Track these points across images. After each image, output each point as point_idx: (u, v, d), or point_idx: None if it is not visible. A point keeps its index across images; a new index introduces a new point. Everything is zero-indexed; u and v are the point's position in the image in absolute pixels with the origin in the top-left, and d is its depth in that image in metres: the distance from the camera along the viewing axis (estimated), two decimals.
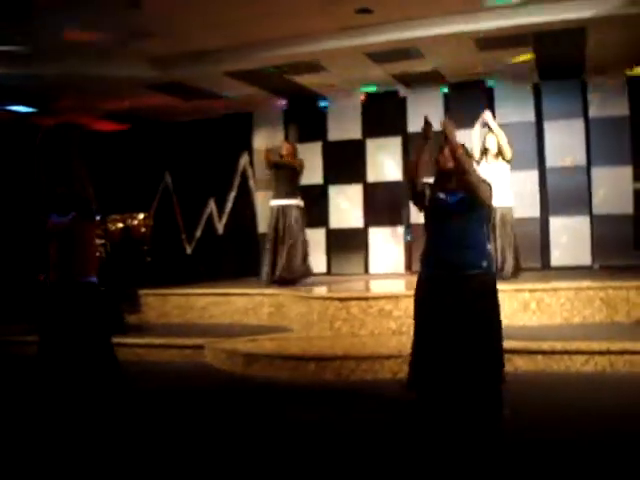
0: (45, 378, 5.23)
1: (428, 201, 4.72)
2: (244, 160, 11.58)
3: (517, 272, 8.21)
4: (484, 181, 4.66)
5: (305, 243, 9.10)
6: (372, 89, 10.60)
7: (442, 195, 4.66)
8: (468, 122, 10.03)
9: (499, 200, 7.90)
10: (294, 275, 8.91)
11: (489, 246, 5.23)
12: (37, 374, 5.32)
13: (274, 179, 9.19)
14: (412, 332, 4.93)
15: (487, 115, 8.40)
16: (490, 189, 4.65)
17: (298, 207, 9.03)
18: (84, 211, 5.23)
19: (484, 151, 8.38)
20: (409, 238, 10.50)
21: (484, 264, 4.63)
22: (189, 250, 11.70)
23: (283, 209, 8.98)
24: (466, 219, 4.62)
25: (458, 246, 4.58)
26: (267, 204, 11.01)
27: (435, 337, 4.60)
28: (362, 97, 10.81)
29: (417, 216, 10.33)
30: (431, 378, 4.60)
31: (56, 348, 5.11)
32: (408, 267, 10.43)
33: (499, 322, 4.68)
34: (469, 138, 9.63)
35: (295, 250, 8.91)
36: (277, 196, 9.08)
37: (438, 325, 4.60)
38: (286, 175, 9.03)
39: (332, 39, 8.29)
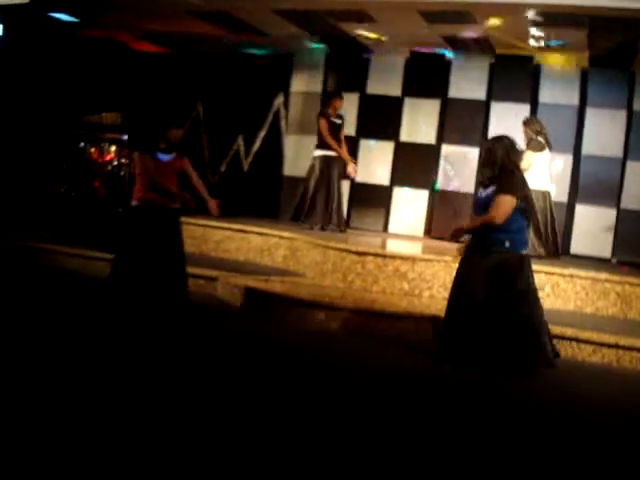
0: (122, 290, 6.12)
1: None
2: (279, 101, 11.47)
3: (556, 253, 8.37)
4: (504, 188, 5.51)
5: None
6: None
7: (480, 190, 5.77)
8: (510, 96, 9.99)
9: (538, 183, 7.96)
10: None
11: (520, 228, 5.68)
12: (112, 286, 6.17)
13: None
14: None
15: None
16: (507, 198, 5.48)
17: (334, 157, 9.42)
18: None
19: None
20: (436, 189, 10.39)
21: (506, 244, 5.50)
22: (212, 182, 11.66)
23: (331, 160, 9.39)
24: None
25: (486, 229, 5.52)
26: (297, 147, 11.08)
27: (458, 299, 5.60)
28: (407, 54, 10.65)
29: (445, 183, 10.30)
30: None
31: (138, 266, 6.14)
32: (427, 232, 10.39)
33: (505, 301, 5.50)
34: (512, 113, 9.66)
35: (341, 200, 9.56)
36: (324, 147, 9.40)
37: (459, 290, 5.63)
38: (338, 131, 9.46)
39: None
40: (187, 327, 6.04)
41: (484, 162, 5.74)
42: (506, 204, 5.47)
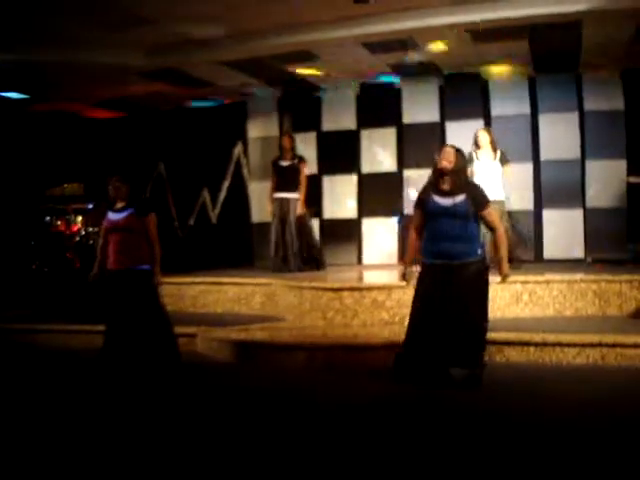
0: (112, 359, 6.12)
1: (424, 205, 5.61)
2: (238, 149, 11.55)
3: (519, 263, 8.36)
4: (485, 199, 5.63)
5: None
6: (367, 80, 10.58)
7: (438, 199, 5.53)
8: (463, 114, 10.13)
9: (490, 194, 8.01)
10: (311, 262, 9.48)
11: (482, 238, 5.91)
12: (105, 354, 6.18)
13: (277, 175, 9.55)
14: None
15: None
16: (484, 198, 5.63)
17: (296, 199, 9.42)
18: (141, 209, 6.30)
19: (476, 146, 8.47)
20: (401, 224, 10.43)
21: (479, 252, 5.54)
22: (182, 239, 11.66)
23: (282, 201, 9.39)
24: (460, 218, 5.47)
25: (453, 239, 5.45)
26: (262, 193, 11.12)
27: (430, 314, 5.51)
28: (357, 87, 10.77)
29: (410, 208, 10.34)
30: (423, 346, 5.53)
31: (123, 330, 6.13)
32: (401, 258, 10.40)
33: (486, 307, 5.54)
34: (467, 131, 9.76)
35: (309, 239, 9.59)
36: (279, 189, 9.45)
37: (434, 303, 5.49)
38: (290, 171, 9.43)
39: (327, 29, 8.25)
40: (175, 387, 5.98)
41: (453, 169, 5.55)
42: (495, 215, 5.75)
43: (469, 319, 5.45)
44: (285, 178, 9.42)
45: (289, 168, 9.45)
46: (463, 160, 5.68)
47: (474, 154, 8.44)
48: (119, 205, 6.27)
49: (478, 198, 5.60)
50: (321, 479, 3.84)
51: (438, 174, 5.61)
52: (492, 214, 5.68)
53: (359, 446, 4.29)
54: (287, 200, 9.38)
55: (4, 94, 10.25)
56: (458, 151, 5.64)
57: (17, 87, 10.04)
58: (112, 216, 6.26)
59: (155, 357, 6.20)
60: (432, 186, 5.66)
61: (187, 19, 7.84)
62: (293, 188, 9.38)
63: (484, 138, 8.51)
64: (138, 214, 6.24)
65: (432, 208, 5.57)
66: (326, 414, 4.99)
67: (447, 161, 5.53)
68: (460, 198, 5.51)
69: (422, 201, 5.69)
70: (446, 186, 5.55)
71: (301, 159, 9.54)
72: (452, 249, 5.46)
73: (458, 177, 5.56)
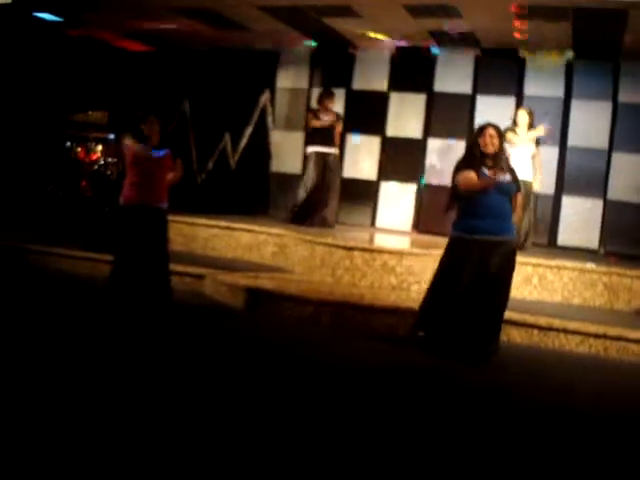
0: (117, 289, 6.24)
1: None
2: (265, 97, 11.46)
3: (526, 245, 8.37)
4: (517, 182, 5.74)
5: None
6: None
7: (488, 172, 5.52)
8: (495, 89, 10.03)
9: (522, 174, 8.02)
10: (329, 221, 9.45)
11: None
12: (111, 284, 6.30)
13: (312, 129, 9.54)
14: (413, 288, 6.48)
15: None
16: (518, 183, 5.75)
17: (336, 156, 9.51)
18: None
19: (514, 124, 8.44)
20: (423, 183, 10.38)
21: (514, 232, 5.68)
22: (199, 180, 11.65)
23: (323, 156, 9.39)
24: (507, 195, 5.58)
25: (500, 216, 5.52)
26: (284, 144, 11.10)
27: (457, 288, 5.51)
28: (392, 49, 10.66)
29: (432, 177, 10.31)
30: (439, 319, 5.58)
31: (132, 264, 6.24)
32: (415, 226, 10.40)
33: (510, 287, 5.67)
34: (497, 107, 9.71)
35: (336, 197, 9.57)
36: (318, 143, 9.44)
37: (462, 277, 5.49)
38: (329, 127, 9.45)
39: None
40: (169, 323, 6.05)
41: (498, 150, 5.62)
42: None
43: (500, 299, 5.57)
44: (325, 133, 9.43)
45: (329, 124, 9.46)
46: (502, 139, 5.70)
47: (510, 132, 8.38)
48: (154, 142, 6.31)
49: (517, 183, 5.72)
50: (307, 441, 3.88)
51: (482, 155, 5.61)
52: (519, 204, 5.86)
53: (353, 412, 4.33)
54: (329, 154, 9.40)
55: (38, 14, 10.15)
56: (499, 129, 5.65)
57: (51, 8, 9.94)
58: (149, 152, 6.30)
59: (152, 292, 6.33)
60: (478, 160, 5.62)
61: None
62: (332, 143, 9.44)
63: (523, 118, 8.48)
64: (172, 155, 6.40)
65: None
66: (324, 375, 5.02)
67: (493, 145, 5.56)
68: (508, 177, 5.61)
69: (474, 169, 5.60)
70: (494, 164, 5.59)
71: (339, 116, 9.62)
72: (497, 225, 5.53)
73: (503, 156, 5.69)
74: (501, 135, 5.65)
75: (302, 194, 9.47)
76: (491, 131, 5.56)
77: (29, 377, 4.36)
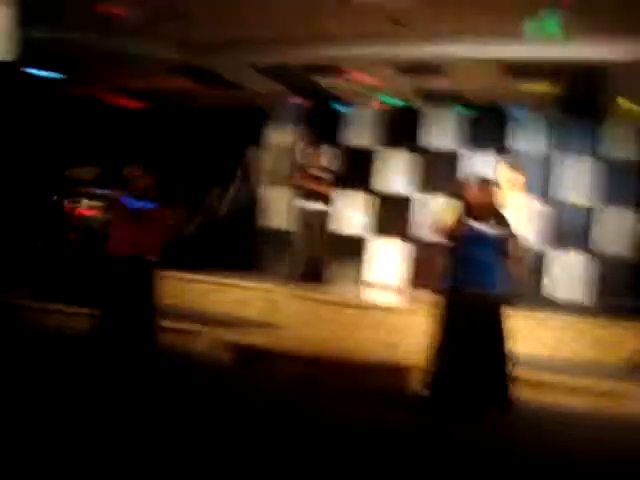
0: (103, 341, 6.15)
1: (460, 229, 5.63)
2: (253, 153, 11.59)
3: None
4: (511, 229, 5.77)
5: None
6: (392, 101, 10.64)
7: (478, 225, 5.60)
8: (480, 145, 10.22)
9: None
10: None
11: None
12: (96, 337, 6.21)
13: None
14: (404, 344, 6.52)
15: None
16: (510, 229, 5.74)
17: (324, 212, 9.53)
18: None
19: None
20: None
21: (504, 287, 5.65)
22: (188, 235, 11.68)
23: (309, 212, 9.45)
24: (492, 245, 5.57)
25: (485, 266, 5.52)
26: (271, 199, 11.20)
27: (453, 346, 5.53)
28: (379, 106, 10.84)
29: (419, 231, 10.40)
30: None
31: (116, 316, 6.17)
32: (405, 281, 10.44)
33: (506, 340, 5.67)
34: (481, 164, 9.88)
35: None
36: (309, 198, 9.51)
37: (458, 336, 5.52)
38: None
39: (360, 45, 8.33)
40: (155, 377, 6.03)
41: (482, 201, 5.68)
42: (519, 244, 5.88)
43: (493, 353, 5.57)
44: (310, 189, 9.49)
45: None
46: (490, 188, 5.73)
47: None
48: (141, 194, 6.31)
49: (507, 228, 5.73)
50: None
51: (468, 206, 5.68)
52: (518, 244, 5.81)
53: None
54: (315, 211, 9.46)
55: (37, 71, 10.28)
56: (484, 181, 5.71)
57: (49, 65, 10.09)
58: (135, 204, 6.30)
59: (139, 345, 6.26)
60: (465, 213, 5.69)
61: (226, 19, 7.89)
62: (318, 198, 9.46)
63: (505, 174, 8.56)
64: (162, 205, 6.41)
65: (468, 233, 5.62)
66: (313, 434, 5.00)
67: (485, 197, 5.64)
68: (492, 225, 5.63)
69: (456, 228, 5.70)
70: (479, 214, 5.63)
71: (331, 172, 9.66)
72: (483, 276, 5.54)
73: (489, 205, 5.66)
74: (485, 183, 5.69)
75: (296, 251, 9.54)
76: (484, 185, 5.67)
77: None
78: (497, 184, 5.87)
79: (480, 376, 5.49)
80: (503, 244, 5.65)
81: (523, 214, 8.66)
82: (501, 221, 5.71)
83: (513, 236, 5.77)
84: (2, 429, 4.46)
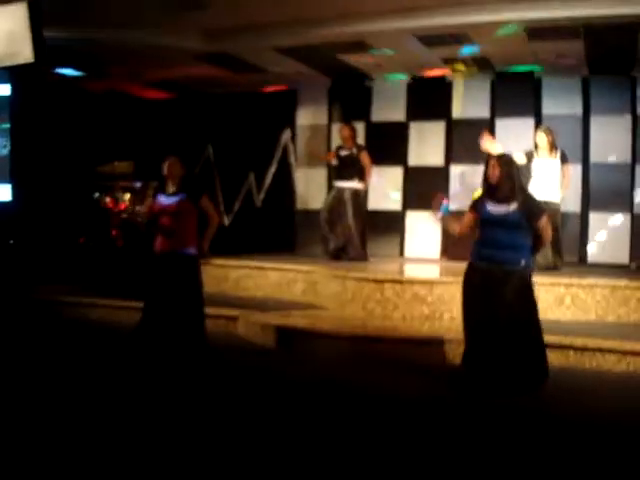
0: (146, 336, 6.19)
1: (478, 211, 5.60)
2: (286, 135, 11.61)
3: (558, 265, 8.30)
4: (536, 209, 5.62)
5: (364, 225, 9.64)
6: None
7: (491, 207, 5.52)
8: (513, 111, 10.07)
9: (546, 195, 8.03)
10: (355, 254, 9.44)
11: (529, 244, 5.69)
12: (139, 332, 6.25)
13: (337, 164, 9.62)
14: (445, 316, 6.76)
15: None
16: (546, 216, 5.64)
17: (353, 190, 9.48)
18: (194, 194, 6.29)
19: (535, 146, 8.43)
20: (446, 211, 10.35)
21: (522, 262, 5.48)
22: (227, 222, 11.79)
23: (338, 190, 9.48)
24: (510, 227, 5.47)
25: (501, 247, 5.45)
26: (307, 180, 11.22)
27: (480, 322, 5.48)
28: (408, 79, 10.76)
29: (456, 204, 10.32)
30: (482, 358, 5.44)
31: (161, 311, 6.18)
32: (444, 253, 10.41)
33: (535, 313, 5.58)
34: (517, 129, 9.75)
35: (357, 230, 9.48)
36: (336, 177, 9.59)
37: (483, 309, 5.47)
38: (348, 161, 9.49)
39: (382, 19, 8.25)
40: (203, 367, 6.10)
41: (499, 181, 5.52)
42: (547, 223, 5.64)
43: (524, 330, 5.47)
44: (343, 167, 9.49)
45: (347, 157, 9.51)
46: (510, 167, 5.56)
47: (534, 153, 8.40)
48: (171, 189, 6.24)
49: (533, 209, 5.57)
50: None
51: (487, 186, 5.61)
52: (546, 226, 5.62)
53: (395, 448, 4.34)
54: (344, 189, 9.44)
55: (60, 70, 10.41)
56: (502, 160, 5.59)
57: (73, 64, 10.20)
58: (163, 200, 6.24)
59: (184, 337, 6.25)
60: (486, 193, 5.63)
61: (244, 4, 7.89)
62: (350, 177, 9.43)
63: (542, 139, 8.42)
64: (191, 199, 6.22)
65: (485, 215, 5.55)
66: (362, 409, 5.03)
67: (493, 175, 5.52)
68: (513, 207, 5.48)
69: (476, 206, 5.68)
70: (498, 195, 5.52)
71: (360, 147, 9.61)
72: (498, 256, 5.46)
73: (508, 186, 5.50)
74: (504, 165, 5.54)
75: (322, 229, 9.57)
76: (492, 162, 5.56)
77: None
78: (512, 160, 5.70)
79: (510, 351, 5.41)
80: (521, 222, 5.50)
81: (560, 179, 8.54)
82: (520, 199, 5.52)
83: (534, 209, 5.60)
84: (53, 417, 4.57)
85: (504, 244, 5.46)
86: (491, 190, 5.57)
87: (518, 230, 5.50)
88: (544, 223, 5.61)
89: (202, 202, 6.33)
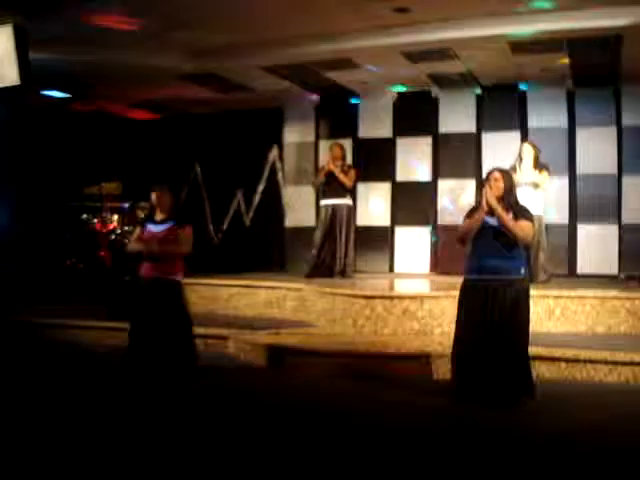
0: (134, 361, 6.15)
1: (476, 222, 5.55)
2: (273, 154, 11.62)
3: (548, 278, 8.31)
4: (525, 214, 5.57)
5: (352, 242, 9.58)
6: (403, 89, 10.60)
7: (488, 217, 5.51)
8: (500, 125, 10.12)
9: (536, 208, 8.03)
10: (345, 270, 9.39)
11: (525, 255, 5.79)
12: (128, 357, 6.21)
13: (325, 182, 9.50)
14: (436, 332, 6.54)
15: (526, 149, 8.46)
16: (531, 224, 5.60)
17: (348, 206, 9.47)
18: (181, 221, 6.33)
19: (519, 159, 8.42)
20: (434, 239, 10.48)
21: (522, 271, 5.54)
22: (216, 241, 11.78)
23: (334, 208, 9.39)
24: (507, 237, 5.47)
25: (498, 258, 5.46)
26: (296, 198, 11.23)
27: (473, 334, 5.45)
28: (394, 96, 10.80)
29: (444, 218, 10.35)
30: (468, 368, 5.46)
31: (147, 335, 6.16)
32: (433, 268, 10.42)
33: (528, 326, 5.59)
34: (503, 142, 9.80)
35: (347, 247, 9.44)
36: (328, 196, 9.46)
37: (477, 324, 5.44)
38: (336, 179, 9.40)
39: (367, 37, 8.30)
40: (190, 388, 6.05)
41: (507, 191, 5.58)
42: (530, 229, 5.60)
43: (512, 345, 5.45)
44: (334, 185, 9.40)
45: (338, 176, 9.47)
46: (510, 181, 5.67)
47: (517, 166, 8.39)
48: (160, 216, 6.28)
49: (524, 214, 5.59)
50: None
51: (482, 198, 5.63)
52: (524, 227, 5.56)
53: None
54: (336, 206, 9.41)
55: (47, 92, 10.40)
56: (506, 174, 5.65)
57: (59, 86, 10.20)
58: (152, 228, 6.27)
59: (172, 359, 6.21)
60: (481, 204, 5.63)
61: (227, 24, 7.92)
62: (345, 194, 9.42)
63: (528, 152, 8.43)
64: (178, 226, 6.26)
65: (487, 224, 5.55)
66: (351, 433, 4.93)
67: (498, 188, 5.54)
68: (511, 216, 5.52)
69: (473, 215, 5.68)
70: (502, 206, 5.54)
71: (350, 167, 9.58)
72: (495, 267, 5.47)
73: (507, 199, 5.57)
74: (507, 178, 5.63)
75: (314, 249, 9.48)
76: (496, 175, 5.59)
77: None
78: (508, 174, 5.74)
79: (501, 361, 5.41)
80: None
81: (547, 191, 8.57)
82: (520, 212, 5.59)
83: (527, 217, 5.61)
84: (44, 439, 4.53)
85: (504, 254, 5.48)
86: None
87: (512, 241, 5.51)
88: (526, 225, 5.55)
89: (185, 231, 6.32)
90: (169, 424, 5.03)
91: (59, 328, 8.45)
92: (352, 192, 9.70)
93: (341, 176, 9.29)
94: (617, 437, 4.70)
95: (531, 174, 8.35)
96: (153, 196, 6.28)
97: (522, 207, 5.71)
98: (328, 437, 4.78)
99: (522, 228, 5.51)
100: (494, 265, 5.48)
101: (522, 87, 10.12)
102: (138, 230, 6.42)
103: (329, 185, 9.45)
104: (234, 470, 4.14)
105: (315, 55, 8.77)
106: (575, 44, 8.13)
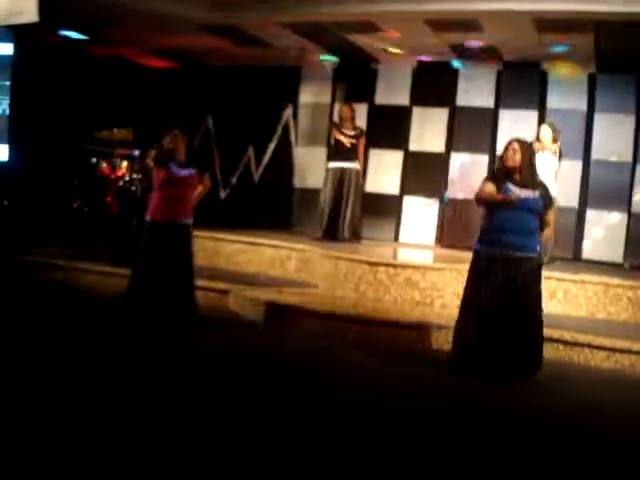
0: (133, 304, 6.31)
1: (498, 188, 5.49)
2: (288, 113, 11.54)
3: (552, 260, 8.30)
4: (545, 193, 5.61)
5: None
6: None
7: (515, 189, 5.45)
8: (518, 103, 10.03)
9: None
10: (353, 235, 9.45)
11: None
12: (127, 300, 6.37)
13: (334, 143, 9.51)
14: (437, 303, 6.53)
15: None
16: (550, 200, 5.68)
17: (357, 171, 9.49)
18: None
19: (537, 140, 8.35)
20: (445, 202, 10.35)
21: (538, 248, 5.59)
22: (223, 195, 11.74)
23: (342, 171, 9.39)
24: (532, 213, 5.50)
25: (520, 231, 5.44)
26: (307, 158, 11.17)
27: (486, 306, 5.43)
28: (414, 63, 10.69)
29: (455, 191, 10.29)
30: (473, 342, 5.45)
31: (150, 280, 6.28)
32: (439, 240, 10.38)
33: (540, 302, 5.65)
34: (520, 121, 9.71)
35: (354, 211, 9.48)
36: (337, 159, 9.43)
37: (491, 297, 5.42)
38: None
39: (392, 1, 8.19)
40: (190, 337, 6.10)
41: (522, 165, 5.51)
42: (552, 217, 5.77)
43: (528, 315, 5.49)
44: (346, 148, 9.39)
45: (352, 138, 9.46)
46: (531, 153, 5.62)
47: (534, 147, 8.31)
48: (181, 159, 6.37)
49: (547, 198, 5.62)
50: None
51: (508, 170, 5.55)
52: (551, 217, 5.77)
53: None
54: (345, 170, 9.38)
55: (64, 32, 10.29)
56: (525, 144, 5.59)
57: (77, 26, 10.08)
58: (177, 171, 6.35)
59: (175, 305, 6.35)
60: (506, 175, 5.57)
61: None
62: (354, 158, 9.41)
63: (546, 134, 8.33)
64: (199, 173, 6.50)
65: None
66: (340, 399, 4.90)
67: (513, 159, 5.49)
68: (537, 194, 5.53)
69: (497, 182, 5.58)
70: (520, 179, 5.51)
71: (362, 131, 9.57)
72: (516, 241, 5.45)
73: (530, 171, 5.55)
74: (527, 150, 5.57)
75: (320, 211, 9.51)
76: (514, 145, 5.51)
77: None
78: (532, 146, 5.71)
79: (508, 338, 5.41)
80: (540, 210, 5.55)
81: (560, 175, 8.51)
82: (537, 184, 5.57)
83: (548, 201, 5.61)
84: (38, 386, 4.54)
85: (524, 229, 5.48)
86: (510, 173, 5.54)
87: (536, 217, 5.56)
88: (551, 216, 5.74)
89: (205, 177, 6.64)
90: (156, 377, 5.03)
91: (59, 269, 8.49)
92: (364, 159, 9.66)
93: (349, 145, 9.35)
94: (616, 420, 4.73)
95: (548, 156, 8.29)
96: (171, 138, 6.33)
97: (542, 183, 5.67)
98: (324, 405, 4.78)
99: (549, 223, 5.73)
100: (517, 240, 5.46)
101: (544, 66, 9.99)
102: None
103: (341, 147, 9.43)
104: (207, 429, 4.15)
105: (337, 16, 8.63)
106: (601, 27, 8.01)
